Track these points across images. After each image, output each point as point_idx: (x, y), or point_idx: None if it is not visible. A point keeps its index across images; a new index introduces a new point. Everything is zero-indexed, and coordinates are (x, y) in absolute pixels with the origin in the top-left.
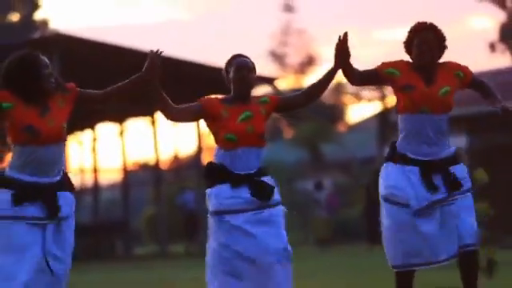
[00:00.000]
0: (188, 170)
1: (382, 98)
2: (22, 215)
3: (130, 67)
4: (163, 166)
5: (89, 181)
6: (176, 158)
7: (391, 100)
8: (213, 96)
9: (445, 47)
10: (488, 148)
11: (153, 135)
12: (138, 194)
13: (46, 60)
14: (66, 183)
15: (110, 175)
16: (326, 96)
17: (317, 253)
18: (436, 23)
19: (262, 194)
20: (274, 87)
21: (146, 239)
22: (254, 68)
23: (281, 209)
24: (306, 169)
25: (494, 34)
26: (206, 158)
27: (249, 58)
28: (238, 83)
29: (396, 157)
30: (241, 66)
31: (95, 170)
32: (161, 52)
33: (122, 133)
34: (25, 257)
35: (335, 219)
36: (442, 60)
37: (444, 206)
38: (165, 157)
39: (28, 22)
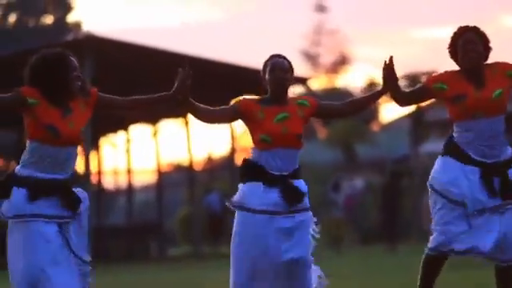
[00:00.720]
0: (221, 171)
1: None
2: (39, 213)
3: (161, 68)
4: (197, 167)
5: (123, 182)
6: (209, 159)
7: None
8: (249, 97)
9: (489, 47)
10: None
11: (186, 136)
12: (172, 195)
13: (76, 62)
14: (75, 180)
15: (144, 177)
16: (359, 95)
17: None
18: (472, 22)
19: (292, 199)
20: (307, 87)
21: (180, 240)
22: (291, 68)
23: (309, 215)
24: (339, 169)
25: None
26: (240, 159)
27: (285, 58)
28: (273, 84)
29: (455, 152)
30: (275, 66)
31: (129, 172)
32: (191, 72)
33: (155, 134)
34: (48, 251)
35: (352, 220)
36: (489, 62)
37: (501, 212)
38: (198, 158)
39: (61, 25)
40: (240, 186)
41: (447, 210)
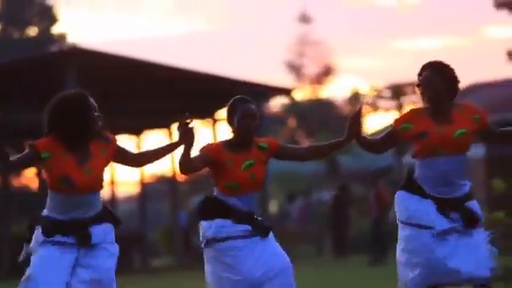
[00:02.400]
0: (204, 182)
1: (399, 107)
2: (52, 240)
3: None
4: (180, 178)
5: (106, 193)
6: None
7: (408, 109)
8: (213, 143)
9: (454, 82)
10: (505, 157)
11: None
12: (155, 206)
13: (94, 103)
14: (102, 216)
15: (127, 188)
16: (343, 106)
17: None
18: (453, 33)
19: (264, 232)
20: (291, 98)
21: (163, 251)
22: (257, 115)
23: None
24: (322, 180)
25: None
26: None
27: (252, 103)
28: (243, 131)
29: (412, 187)
30: (246, 114)
31: (112, 183)
32: (190, 122)
33: (138, 145)
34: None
35: (305, 232)
36: (459, 98)
37: (461, 236)
38: None
39: (46, 36)
40: (204, 223)
41: (415, 249)
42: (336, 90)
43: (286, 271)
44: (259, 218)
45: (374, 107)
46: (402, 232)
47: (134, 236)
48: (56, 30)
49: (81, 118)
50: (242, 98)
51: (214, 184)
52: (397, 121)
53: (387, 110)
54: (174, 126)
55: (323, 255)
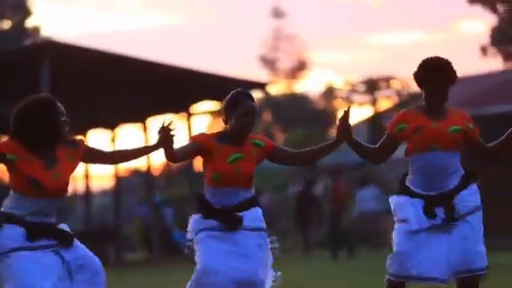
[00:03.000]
0: (179, 176)
1: (373, 102)
2: (35, 245)
3: (121, 73)
4: (155, 172)
5: (81, 187)
6: (167, 165)
7: (382, 104)
8: (206, 133)
9: (455, 81)
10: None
11: (144, 141)
12: (130, 200)
13: (62, 107)
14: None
15: (102, 181)
16: (318, 100)
17: None
18: (428, 28)
19: (229, 223)
20: (266, 92)
21: (138, 245)
22: (257, 111)
23: (265, 238)
24: (298, 174)
25: (485, 38)
26: (197, 165)
27: (253, 99)
28: (242, 127)
29: (405, 191)
30: (250, 111)
31: (87, 177)
32: (172, 128)
33: (113, 139)
34: (48, 273)
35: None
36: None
37: (449, 228)
38: (156, 163)
39: (20, 30)
40: (194, 217)
41: (402, 234)
42: (310, 85)
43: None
44: (240, 213)
45: (349, 101)
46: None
47: (108, 230)
48: (30, 23)
49: (48, 122)
50: (244, 92)
51: (204, 176)
52: (391, 124)
53: (361, 104)
54: (149, 121)
55: (289, 251)
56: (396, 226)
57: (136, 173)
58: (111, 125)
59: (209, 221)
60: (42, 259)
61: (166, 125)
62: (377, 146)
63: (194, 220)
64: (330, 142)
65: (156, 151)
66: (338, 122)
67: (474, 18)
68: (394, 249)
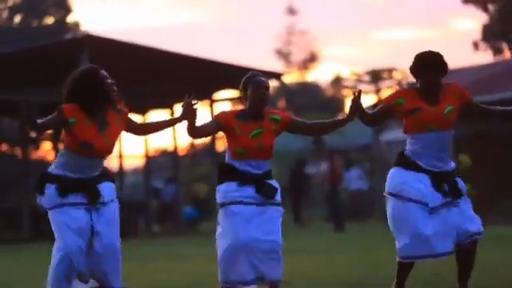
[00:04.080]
0: (203, 156)
1: (377, 91)
2: (68, 202)
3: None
4: (181, 152)
5: (115, 166)
6: (192, 146)
7: (385, 92)
8: (227, 110)
9: (446, 72)
10: (472, 135)
11: None
12: (159, 177)
13: (105, 73)
14: (104, 175)
15: (134, 161)
16: (327, 89)
17: None
18: (425, 25)
19: (266, 192)
20: (281, 81)
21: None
22: (269, 87)
23: (280, 209)
24: (309, 155)
25: (477, 34)
26: (220, 146)
27: (264, 77)
28: (257, 101)
29: (406, 163)
30: (261, 85)
31: (120, 157)
32: (194, 102)
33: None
34: (78, 230)
35: None
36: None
37: (450, 207)
38: (182, 144)
39: (61, 25)
40: (218, 187)
41: (407, 210)
42: (320, 75)
43: (272, 253)
44: (269, 181)
45: (354, 90)
46: (390, 204)
47: (139, 204)
48: (71, 18)
49: (97, 86)
50: (254, 73)
51: (227, 150)
52: (391, 96)
53: (366, 92)
54: (176, 106)
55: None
56: (399, 201)
57: (164, 153)
58: (143, 110)
59: (245, 188)
60: (75, 214)
61: (189, 99)
62: (374, 112)
63: (227, 186)
64: (342, 118)
65: (180, 123)
66: (350, 103)
67: (467, 16)
68: (405, 229)
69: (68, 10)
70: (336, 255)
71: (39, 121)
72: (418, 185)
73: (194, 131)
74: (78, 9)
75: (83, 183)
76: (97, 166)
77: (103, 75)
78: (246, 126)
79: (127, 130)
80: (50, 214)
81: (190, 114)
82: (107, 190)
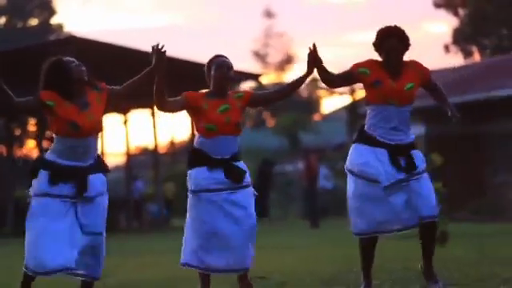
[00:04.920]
0: (182, 153)
1: (352, 92)
2: (56, 193)
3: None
4: (161, 150)
5: None
6: (172, 144)
7: (359, 94)
8: (195, 91)
9: (408, 45)
10: (442, 136)
11: (152, 124)
12: (139, 174)
13: (72, 58)
14: (98, 165)
15: (115, 159)
16: (303, 90)
17: None
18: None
19: (235, 177)
20: (259, 82)
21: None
22: (232, 66)
23: (251, 190)
24: (285, 154)
25: (448, 38)
26: None
27: (227, 58)
28: (218, 79)
29: (365, 138)
30: (222, 64)
31: (103, 154)
32: (162, 46)
33: (125, 122)
34: (62, 221)
35: None
36: (406, 58)
37: (408, 183)
38: (162, 142)
39: (45, 26)
40: (188, 172)
41: (363, 188)
42: (297, 76)
43: (249, 234)
44: (236, 163)
45: (330, 91)
46: (351, 181)
47: (120, 200)
48: (55, 20)
49: (67, 71)
50: (217, 54)
51: (196, 129)
52: (356, 65)
53: (341, 93)
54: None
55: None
56: (359, 181)
57: (145, 151)
58: (123, 109)
59: (215, 173)
60: (58, 207)
61: (158, 47)
62: (336, 74)
63: (197, 172)
64: (302, 75)
65: (154, 73)
66: (307, 57)
67: (439, 20)
68: (358, 205)
69: (52, 12)
70: (311, 251)
71: (17, 99)
72: (377, 164)
73: (162, 99)
74: (61, 11)
75: (74, 172)
76: (88, 149)
77: (67, 61)
78: (213, 103)
79: (114, 101)
80: (33, 200)
81: (159, 62)
82: (99, 181)
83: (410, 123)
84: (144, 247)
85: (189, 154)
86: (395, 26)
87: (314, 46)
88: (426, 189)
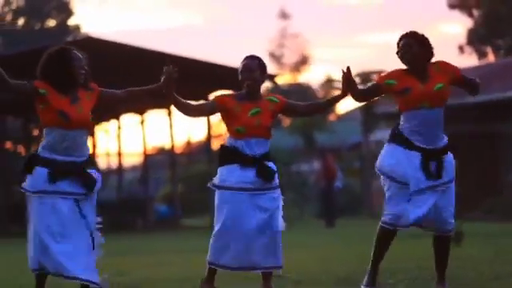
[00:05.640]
0: (199, 154)
1: None
2: (57, 190)
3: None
4: (177, 150)
5: (114, 163)
6: (188, 144)
7: None
8: (225, 93)
9: (429, 47)
10: (456, 136)
11: (169, 124)
12: (156, 174)
13: (80, 54)
14: (91, 163)
15: (132, 159)
16: (318, 90)
17: None
18: (413, 28)
19: (266, 176)
20: (274, 82)
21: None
22: (260, 68)
23: (279, 193)
24: (300, 154)
25: (462, 38)
26: (215, 144)
27: (256, 59)
28: (243, 83)
29: (400, 139)
30: (244, 68)
31: (119, 154)
32: (175, 71)
33: (142, 122)
34: (64, 219)
35: None
36: (433, 60)
37: (435, 192)
38: (179, 143)
39: (63, 28)
40: (219, 168)
41: (395, 189)
42: (312, 77)
43: (273, 238)
44: (267, 163)
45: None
46: (384, 182)
47: (137, 200)
48: (72, 21)
49: (65, 67)
50: (246, 56)
51: (227, 131)
52: (382, 77)
53: None
54: (173, 107)
55: None
56: (392, 184)
57: (161, 151)
58: (140, 110)
59: (246, 171)
60: (60, 206)
61: (169, 67)
62: (364, 89)
63: (228, 170)
64: (336, 95)
65: (160, 91)
66: (342, 79)
67: (453, 21)
68: (391, 205)
69: (69, 13)
70: (326, 250)
71: (12, 81)
72: (406, 169)
73: (184, 109)
74: (79, 12)
75: (72, 167)
76: (79, 143)
77: (72, 57)
78: (244, 106)
79: (107, 103)
80: (32, 198)
81: (169, 82)
82: (98, 178)
83: (444, 125)
84: (157, 246)
85: (220, 151)
86: (410, 31)
87: (348, 68)
88: (448, 203)
